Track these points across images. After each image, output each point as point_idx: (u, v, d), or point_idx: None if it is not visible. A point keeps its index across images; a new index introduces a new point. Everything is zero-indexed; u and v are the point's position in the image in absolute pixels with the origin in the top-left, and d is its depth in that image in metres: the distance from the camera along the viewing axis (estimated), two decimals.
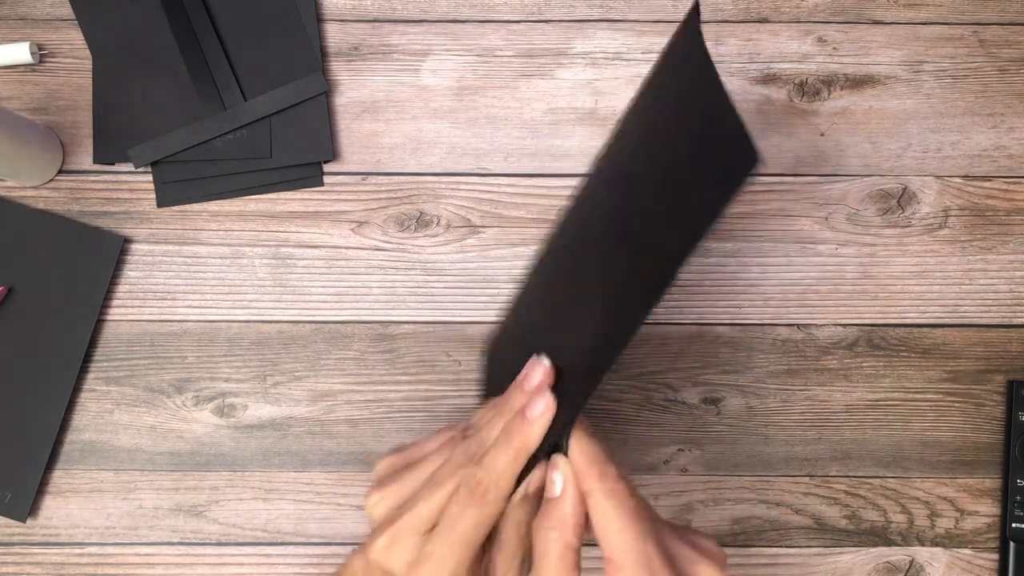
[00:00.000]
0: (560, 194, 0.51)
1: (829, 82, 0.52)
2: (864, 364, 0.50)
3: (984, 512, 0.50)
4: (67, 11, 0.51)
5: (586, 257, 0.31)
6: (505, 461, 0.30)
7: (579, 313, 0.30)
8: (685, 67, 0.26)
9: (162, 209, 0.51)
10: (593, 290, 0.30)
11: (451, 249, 0.51)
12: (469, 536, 0.29)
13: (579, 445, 0.29)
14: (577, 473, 0.29)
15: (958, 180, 0.51)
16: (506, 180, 0.51)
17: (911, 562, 0.50)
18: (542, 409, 0.30)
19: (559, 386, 0.30)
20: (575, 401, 0.29)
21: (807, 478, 0.50)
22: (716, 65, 0.24)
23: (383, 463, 0.34)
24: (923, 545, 0.50)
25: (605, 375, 0.27)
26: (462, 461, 0.31)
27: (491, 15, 0.52)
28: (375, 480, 0.34)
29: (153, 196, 0.51)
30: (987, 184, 0.51)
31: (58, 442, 0.49)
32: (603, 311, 0.28)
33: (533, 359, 0.32)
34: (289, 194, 0.51)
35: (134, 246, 0.51)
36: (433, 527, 0.30)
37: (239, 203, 0.51)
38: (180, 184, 0.51)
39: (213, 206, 0.51)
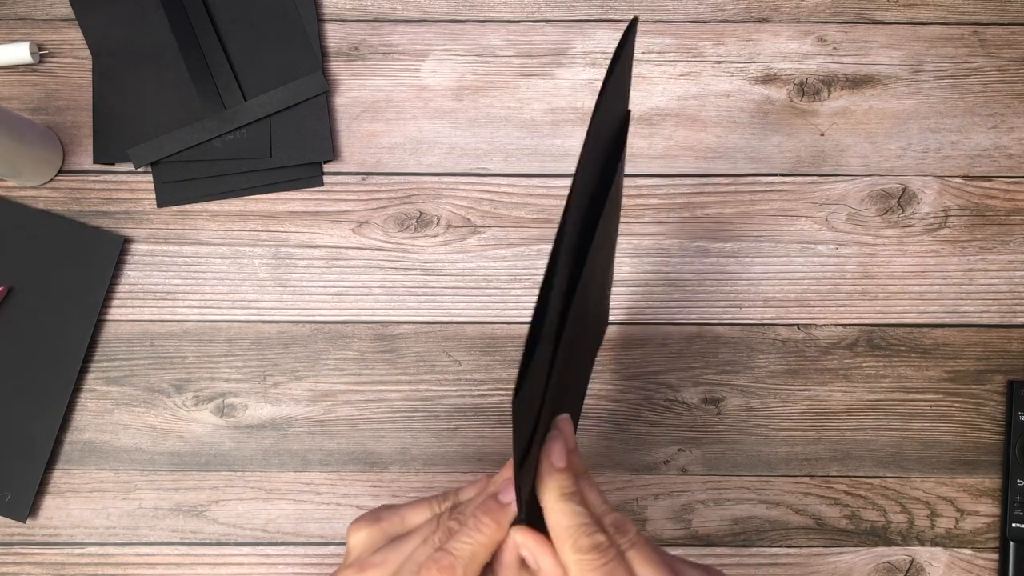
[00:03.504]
0: (560, 194, 0.51)
1: (829, 82, 0.52)
2: (864, 364, 0.50)
3: (984, 512, 0.50)
4: (67, 11, 0.51)
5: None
6: (474, 546, 0.28)
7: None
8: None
9: (162, 209, 0.51)
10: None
11: (451, 249, 0.51)
12: None
13: (550, 516, 0.28)
14: (555, 544, 0.28)
15: (958, 180, 0.51)
16: (506, 180, 0.51)
17: (911, 562, 0.50)
18: (513, 496, 0.29)
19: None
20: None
21: (807, 478, 0.50)
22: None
23: (359, 536, 0.31)
24: (923, 545, 0.50)
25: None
26: (443, 541, 0.29)
27: (491, 15, 0.52)
28: (351, 558, 0.31)
29: (153, 196, 0.51)
30: (987, 184, 0.51)
31: (58, 442, 0.49)
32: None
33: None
34: (289, 194, 0.51)
35: (134, 246, 0.51)
36: None
37: (239, 203, 0.51)
38: (180, 184, 0.51)
39: (213, 206, 0.51)
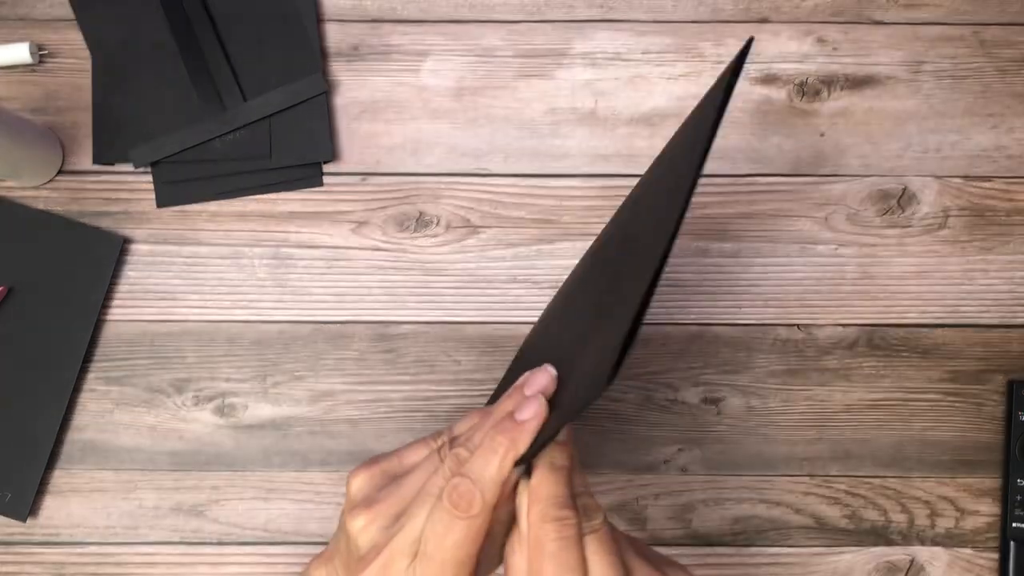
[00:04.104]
0: (560, 194, 0.51)
1: (829, 82, 0.52)
2: (864, 364, 0.50)
3: (984, 512, 0.50)
4: (67, 11, 0.51)
5: (599, 277, 0.31)
6: (490, 468, 0.28)
7: (588, 329, 0.30)
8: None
9: (162, 209, 0.51)
10: (604, 306, 0.29)
11: (451, 249, 0.51)
12: (458, 555, 0.27)
13: (536, 478, 0.28)
14: (529, 503, 0.28)
15: (958, 180, 0.51)
16: (506, 180, 0.51)
17: (911, 562, 0.50)
18: (532, 413, 0.28)
19: (554, 398, 0.29)
20: (560, 419, 0.28)
21: (807, 478, 0.50)
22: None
23: (359, 480, 0.31)
24: (923, 545, 0.50)
25: (593, 399, 0.27)
26: (455, 470, 0.29)
27: (491, 15, 0.52)
28: (356, 500, 0.30)
29: (153, 196, 0.51)
30: (987, 184, 0.51)
31: (58, 442, 0.50)
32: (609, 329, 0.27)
33: (539, 368, 0.30)
34: (289, 194, 0.51)
35: (134, 246, 0.51)
36: None
37: (239, 203, 0.51)
38: (180, 184, 0.51)
39: (213, 206, 0.51)
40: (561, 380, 0.30)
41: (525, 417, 0.28)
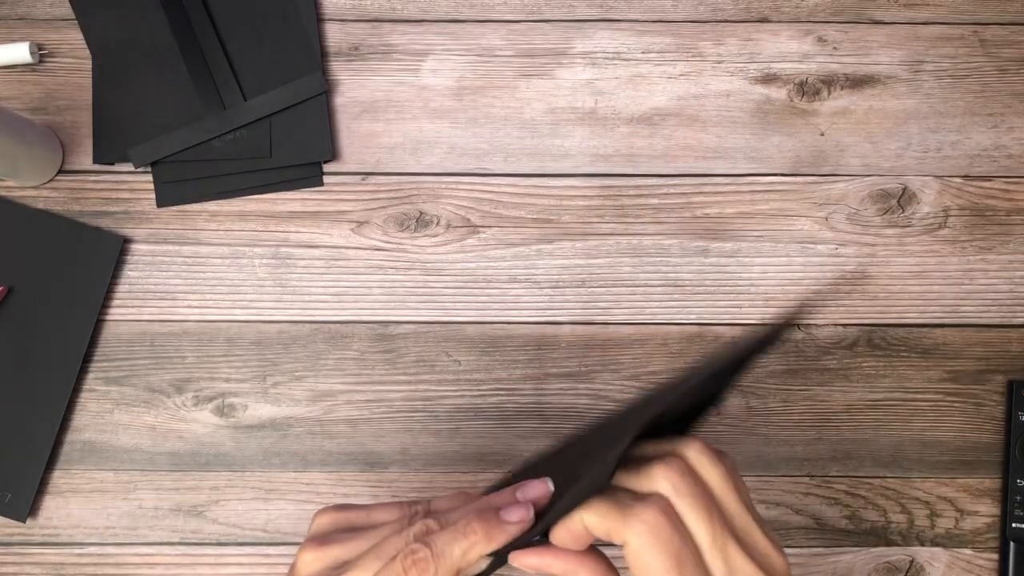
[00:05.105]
0: (560, 194, 0.51)
1: (829, 82, 0.52)
2: (864, 364, 0.50)
3: (984, 512, 0.50)
4: (67, 11, 0.51)
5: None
6: (455, 548, 0.27)
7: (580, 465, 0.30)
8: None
9: (162, 209, 0.51)
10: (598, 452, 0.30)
11: (451, 249, 0.51)
12: None
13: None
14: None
15: (958, 180, 0.51)
16: (506, 180, 0.51)
17: (911, 562, 0.50)
18: (519, 518, 0.28)
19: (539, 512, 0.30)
20: (534, 531, 0.28)
21: (807, 478, 0.50)
22: None
23: (325, 518, 0.32)
24: (923, 545, 0.50)
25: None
26: (419, 536, 0.28)
27: (491, 15, 0.52)
28: (313, 535, 0.31)
29: (153, 196, 0.51)
30: (987, 184, 0.51)
31: (58, 442, 0.49)
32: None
33: (539, 479, 0.30)
34: (289, 194, 0.51)
35: (134, 246, 0.51)
36: None
37: (239, 203, 0.51)
38: (180, 184, 0.51)
39: (213, 206, 0.51)
40: (552, 498, 0.30)
41: (511, 520, 0.28)
